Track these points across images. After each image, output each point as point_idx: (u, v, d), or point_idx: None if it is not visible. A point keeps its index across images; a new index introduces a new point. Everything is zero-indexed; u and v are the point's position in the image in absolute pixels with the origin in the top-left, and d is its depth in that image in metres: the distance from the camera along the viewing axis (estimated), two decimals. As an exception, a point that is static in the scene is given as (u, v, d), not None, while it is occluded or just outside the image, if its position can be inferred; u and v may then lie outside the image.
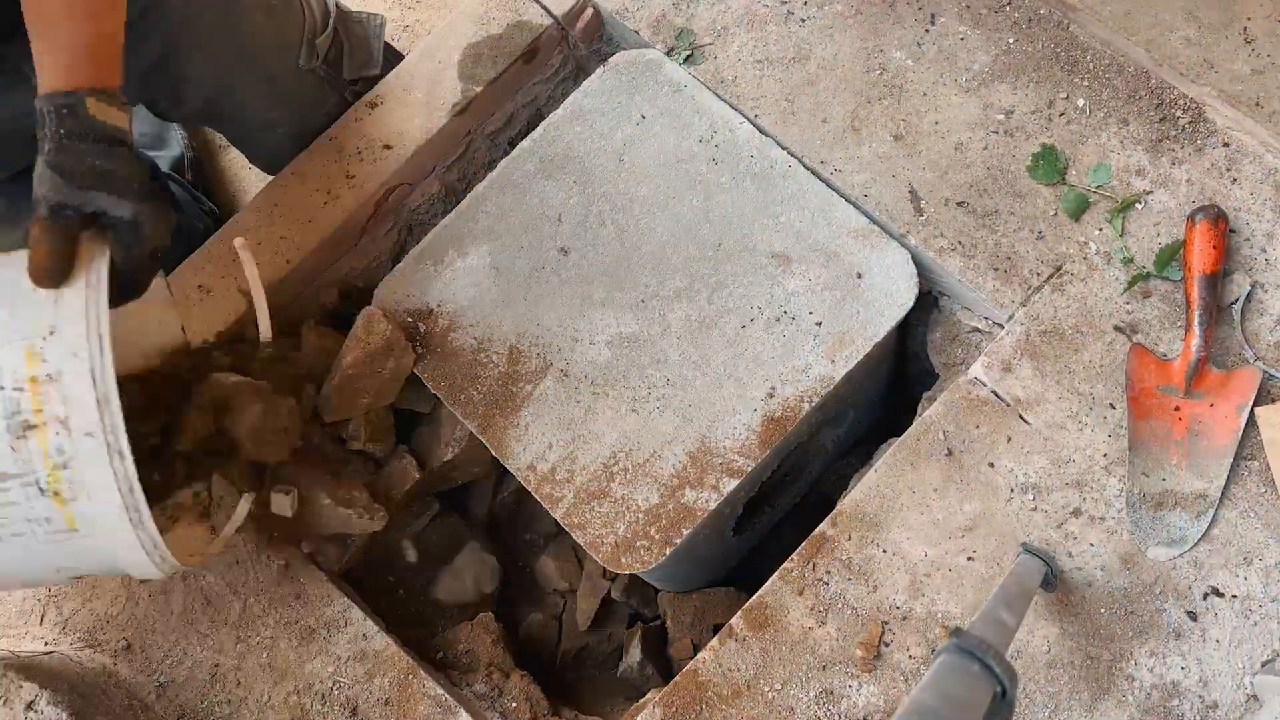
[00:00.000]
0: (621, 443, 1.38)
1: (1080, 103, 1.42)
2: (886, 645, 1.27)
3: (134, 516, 1.05)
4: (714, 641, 1.30)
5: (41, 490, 1.04)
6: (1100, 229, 1.37)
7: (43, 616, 1.44)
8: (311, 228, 1.52)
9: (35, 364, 1.03)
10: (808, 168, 1.45)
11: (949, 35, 1.48)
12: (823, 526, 1.32)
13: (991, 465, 1.30)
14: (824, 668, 1.27)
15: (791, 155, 1.46)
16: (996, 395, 1.33)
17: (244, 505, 1.29)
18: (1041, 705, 1.22)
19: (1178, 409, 1.27)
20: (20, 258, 1.07)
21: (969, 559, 1.28)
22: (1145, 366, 1.29)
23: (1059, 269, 1.36)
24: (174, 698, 1.39)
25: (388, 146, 1.55)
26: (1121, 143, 1.40)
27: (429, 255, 1.48)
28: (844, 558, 1.30)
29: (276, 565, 1.43)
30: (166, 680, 1.41)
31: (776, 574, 1.31)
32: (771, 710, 1.26)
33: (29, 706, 1.28)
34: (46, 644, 1.43)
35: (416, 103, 1.57)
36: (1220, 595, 1.22)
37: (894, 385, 1.70)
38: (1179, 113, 1.40)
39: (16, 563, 1.11)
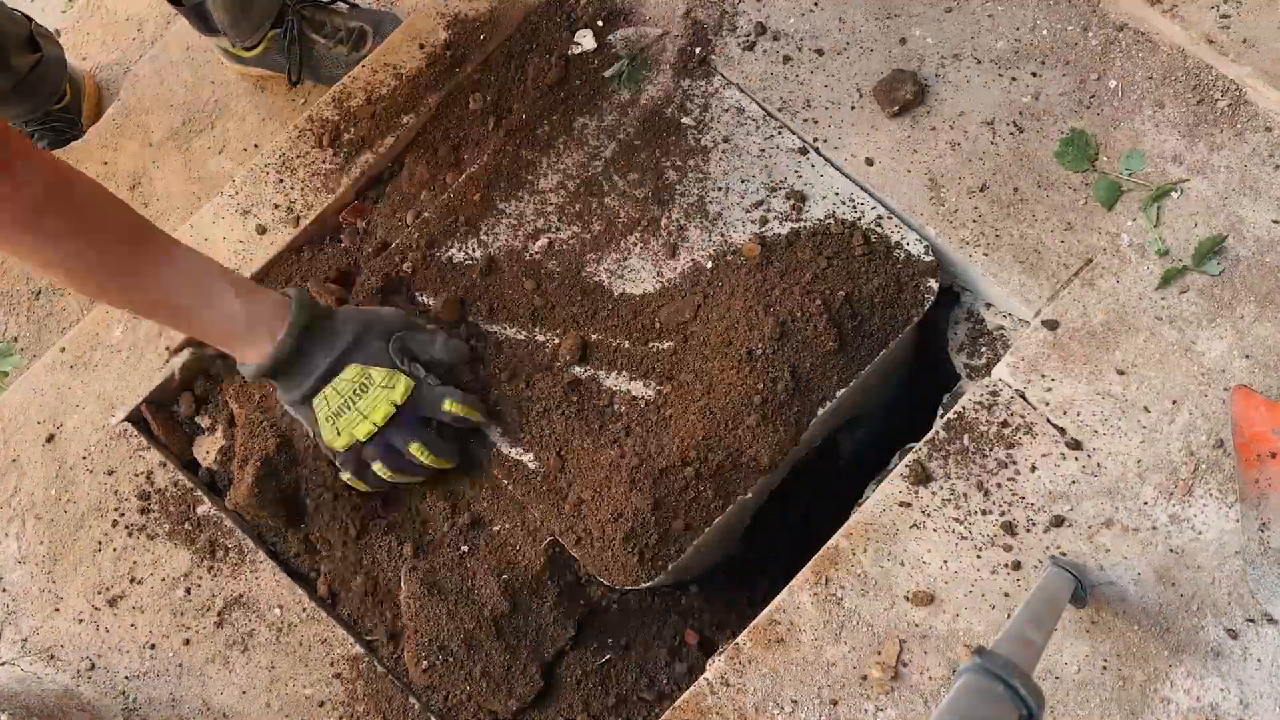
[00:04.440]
0: (621, 447, 1.37)
1: (1112, 84, 1.42)
2: (905, 665, 1.26)
3: None
4: (719, 661, 1.30)
5: None
6: (1134, 219, 1.37)
7: (0, 634, 1.44)
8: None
9: None
10: (820, 154, 1.45)
11: (973, 12, 1.48)
12: (836, 538, 1.32)
13: (1017, 472, 1.30)
14: (838, 689, 1.26)
15: (802, 139, 1.46)
16: (1022, 397, 1.33)
17: None
18: (1071, 729, 1.22)
19: None
20: None
21: (993, 572, 1.28)
22: (1253, 409, 1.25)
23: (1089, 262, 1.36)
24: (141, 721, 1.39)
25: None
26: (1156, 127, 1.40)
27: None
28: (859, 571, 1.30)
29: (251, 575, 1.43)
30: (135, 702, 1.40)
31: (786, 589, 1.31)
32: (781, 735, 1.26)
33: (-14, 730, 1.28)
34: (5, 663, 1.43)
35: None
36: (1270, 618, 1.22)
37: (913, 386, 1.69)
38: (1217, 95, 1.39)
39: None
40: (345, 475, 1.36)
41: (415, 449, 1.33)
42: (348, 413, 1.30)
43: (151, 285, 1.22)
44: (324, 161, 1.56)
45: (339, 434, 1.31)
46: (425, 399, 1.33)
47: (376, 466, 1.34)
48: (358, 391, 1.29)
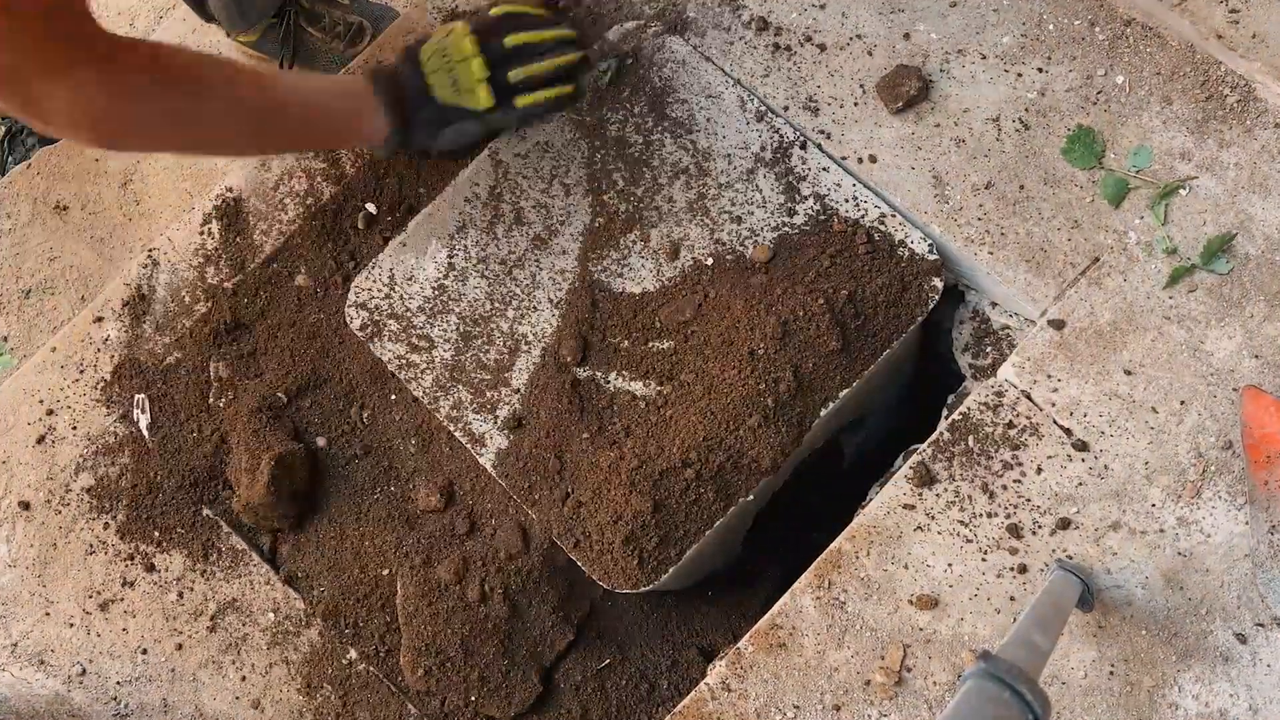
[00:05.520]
0: (621, 448, 1.37)
1: (1119, 80, 1.42)
2: (909, 670, 1.26)
3: None
4: (720, 666, 1.30)
5: None
6: (1141, 217, 1.37)
7: (-10, 638, 1.44)
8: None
9: None
10: (823, 151, 1.45)
11: (978, 7, 1.47)
12: (839, 541, 1.32)
13: (1023, 474, 1.30)
14: (841, 694, 1.26)
15: (805, 136, 1.45)
16: (1028, 398, 1.32)
17: None
18: (1077, 735, 1.22)
19: None
20: None
21: (998, 576, 1.27)
22: (1263, 410, 1.24)
23: (1096, 260, 1.36)
24: (133, 727, 1.39)
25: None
26: (1164, 123, 1.39)
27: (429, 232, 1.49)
28: (862, 575, 1.30)
29: (247, 581, 1.43)
30: (127, 708, 1.40)
31: (789, 592, 1.31)
32: (783, 741, 1.26)
33: (-25, 736, 1.28)
34: (-5, 668, 1.43)
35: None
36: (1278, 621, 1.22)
37: (917, 387, 1.69)
38: (1226, 90, 1.39)
39: None
40: (522, 103, 1.37)
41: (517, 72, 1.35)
42: (455, 87, 1.32)
43: (275, 130, 1.28)
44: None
45: (476, 97, 1.33)
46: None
47: (514, 75, 1.35)
48: (448, 66, 1.32)
